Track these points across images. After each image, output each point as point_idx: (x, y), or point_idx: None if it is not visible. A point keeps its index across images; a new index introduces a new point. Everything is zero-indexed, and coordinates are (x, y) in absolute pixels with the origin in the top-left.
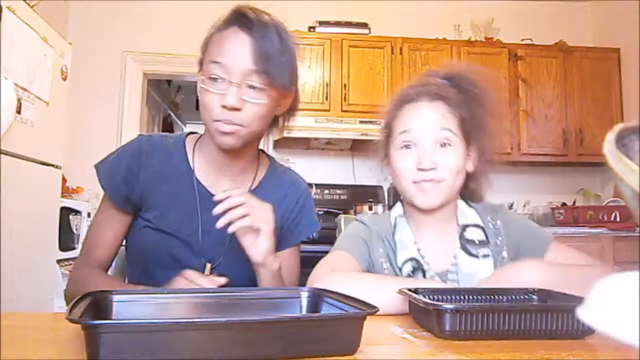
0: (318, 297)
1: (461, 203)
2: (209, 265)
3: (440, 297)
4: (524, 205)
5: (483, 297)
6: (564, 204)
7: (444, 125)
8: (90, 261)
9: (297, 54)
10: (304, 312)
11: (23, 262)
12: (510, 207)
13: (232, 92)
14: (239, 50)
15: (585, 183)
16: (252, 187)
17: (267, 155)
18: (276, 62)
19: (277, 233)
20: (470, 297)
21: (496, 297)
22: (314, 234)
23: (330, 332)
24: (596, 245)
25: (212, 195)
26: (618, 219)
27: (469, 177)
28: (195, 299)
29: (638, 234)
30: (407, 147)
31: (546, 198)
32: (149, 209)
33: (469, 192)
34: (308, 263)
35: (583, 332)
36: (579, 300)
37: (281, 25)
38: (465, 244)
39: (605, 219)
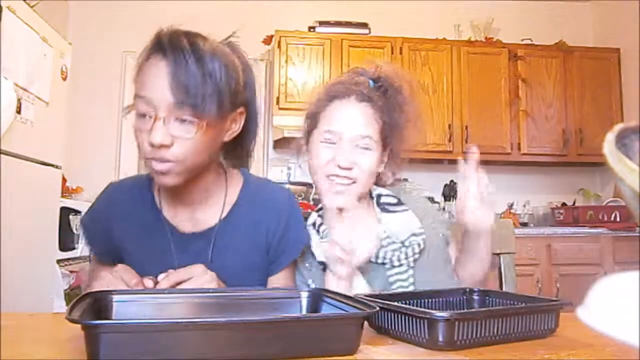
0: (318, 297)
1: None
2: None
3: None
4: (524, 205)
5: (423, 300)
6: (564, 204)
7: (367, 130)
8: None
9: (233, 71)
10: (304, 312)
11: (23, 262)
12: (511, 207)
13: (157, 129)
14: (157, 82)
15: (585, 183)
16: (223, 217)
17: (242, 173)
18: (194, 91)
19: (264, 257)
20: (409, 301)
21: (437, 299)
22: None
23: (330, 332)
24: (596, 245)
25: (184, 235)
26: (618, 219)
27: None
28: (195, 299)
29: (638, 234)
30: (328, 142)
31: (546, 198)
32: (128, 258)
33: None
34: None
35: (551, 331)
36: (542, 300)
37: (204, 45)
38: (384, 206)
39: (605, 219)
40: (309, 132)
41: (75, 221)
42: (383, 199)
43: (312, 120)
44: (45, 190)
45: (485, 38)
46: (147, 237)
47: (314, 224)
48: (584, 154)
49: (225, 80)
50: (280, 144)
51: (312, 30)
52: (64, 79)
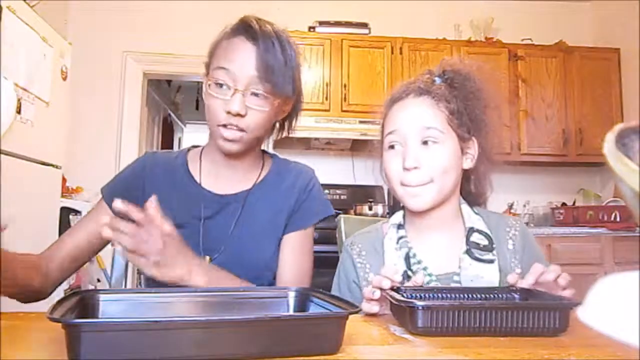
0: (305, 296)
1: (465, 207)
2: (207, 258)
3: (420, 295)
4: (524, 205)
5: (463, 295)
6: (564, 204)
7: (429, 122)
8: (48, 250)
9: (299, 60)
10: (290, 311)
11: None
12: (510, 207)
13: (237, 99)
14: (244, 59)
15: (585, 183)
16: (258, 181)
17: (270, 155)
18: (278, 73)
19: (285, 219)
20: (451, 295)
21: (477, 295)
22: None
23: (310, 332)
24: (596, 245)
25: (216, 195)
26: (618, 219)
27: (468, 177)
28: (183, 298)
29: (638, 234)
30: (393, 147)
31: (546, 198)
32: None
33: (470, 195)
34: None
35: (555, 330)
36: (554, 299)
37: (283, 35)
38: (471, 247)
39: (605, 219)
40: (381, 144)
41: (75, 221)
42: (474, 237)
43: (381, 130)
44: (45, 190)
45: (485, 38)
46: (179, 197)
47: (398, 226)
48: (584, 154)
49: (297, 66)
50: (281, 143)
51: (312, 30)
52: (64, 79)
